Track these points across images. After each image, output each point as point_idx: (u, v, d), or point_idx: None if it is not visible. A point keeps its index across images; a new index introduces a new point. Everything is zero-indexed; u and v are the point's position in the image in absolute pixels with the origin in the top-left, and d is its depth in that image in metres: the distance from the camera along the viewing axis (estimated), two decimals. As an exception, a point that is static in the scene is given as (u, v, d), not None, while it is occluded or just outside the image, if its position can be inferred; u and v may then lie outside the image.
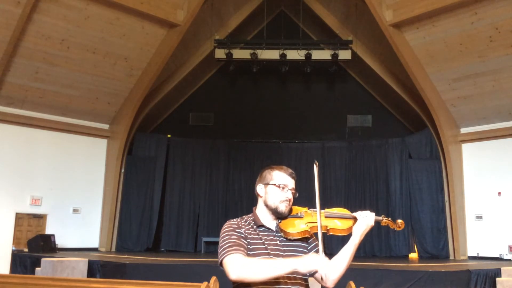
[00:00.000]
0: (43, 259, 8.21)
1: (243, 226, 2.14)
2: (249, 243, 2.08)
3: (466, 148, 12.23)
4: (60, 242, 11.58)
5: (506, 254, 11.21)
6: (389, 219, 2.30)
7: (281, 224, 2.15)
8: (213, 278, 2.97)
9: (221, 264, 2.05)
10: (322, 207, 2.24)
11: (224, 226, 2.15)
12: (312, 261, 1.94)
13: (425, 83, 11.58)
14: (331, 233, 2.18)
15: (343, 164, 13.82)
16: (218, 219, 13.87)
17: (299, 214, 2.20)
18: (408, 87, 12.74)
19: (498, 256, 11.31)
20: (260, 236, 2.13)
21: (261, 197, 2.23)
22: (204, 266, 8.95)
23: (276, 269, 1.94)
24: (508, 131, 11.49)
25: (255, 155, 14.24)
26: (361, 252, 12.91)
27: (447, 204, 12.31)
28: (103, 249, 12.61)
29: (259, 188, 2.25)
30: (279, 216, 2.18)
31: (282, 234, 2.14)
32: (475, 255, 11.70)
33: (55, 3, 9.99)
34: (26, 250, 10.71)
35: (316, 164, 2.11)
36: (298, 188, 2.31)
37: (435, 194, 12.54)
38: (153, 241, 13.30)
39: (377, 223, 2.26)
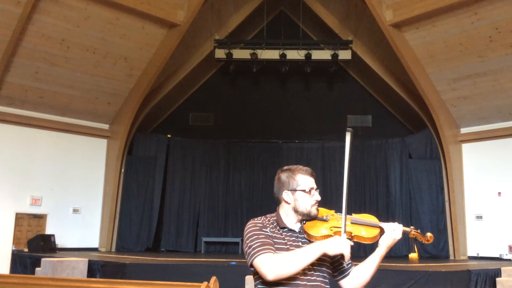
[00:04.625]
0: (43, 259, 8.21)
1: (268, 225, 2.10)
2: (274, 243, 2.06)
3: (466, 148, 12.23)
4: (60, 242, 11.58)
5: (506, 254, 11.21)
6: (418, 231, 2.20)
7: (306, 226, 2.11)
8: (213, 278, 2.97)
9: (251, 265, 2.01)
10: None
11: (249, 225, 2.09)
12: (337, 244, 1.96)
13: (425, 83, 11.58)
14: (355, 240, 2.12)
15: (343, 164, 13.76)
16: (218, 219, 13.89)
17: (324, 217, 2.15)
18: (408, 87, 12.73)
19: (498, 256, 11.31)
20: (283, 236, 2.10)
21: (288, 204, 2.15)
22: (204, 266, 8.96)
23: (307, 257, 1.95)
24: (508, 131, 11.48)
25: (255, 155, 14.24)
26: (361, 253, 12.85)
27: (447, 204, 12.31)
28: (103, 249, 12.61)
29: (286, 195, 2.15)
30: (311, 219, 2.14)
31: (305, 235, 2.11)
32: (475, 255, 11.70)
33: (55, 3, 9.99)
34: (26, 250, 10.70)
35: (349, 132, 2.03)
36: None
37: (435, 194, 12.54)
38: (153, 241, 13.30)
39: (405, 234, 2.17)
